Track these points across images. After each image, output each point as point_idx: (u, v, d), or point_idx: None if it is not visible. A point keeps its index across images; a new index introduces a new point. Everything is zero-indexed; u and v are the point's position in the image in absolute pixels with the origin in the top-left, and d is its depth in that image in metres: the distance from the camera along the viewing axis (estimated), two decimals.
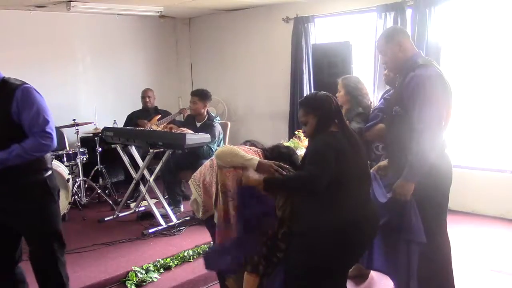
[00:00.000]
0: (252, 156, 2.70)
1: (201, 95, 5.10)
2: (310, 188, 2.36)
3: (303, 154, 2.62)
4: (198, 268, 3.74)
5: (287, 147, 2.96)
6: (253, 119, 7.02)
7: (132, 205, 5.26)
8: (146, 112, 5.97)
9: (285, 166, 2.64)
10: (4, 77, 2.60)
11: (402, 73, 2.76)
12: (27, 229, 2.67)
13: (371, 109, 3.60)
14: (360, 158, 2.47)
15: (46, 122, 2.56)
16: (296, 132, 4.65)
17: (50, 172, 2.71)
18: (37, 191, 2.64)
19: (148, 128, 5.43)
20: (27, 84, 2.61)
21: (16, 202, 2.59)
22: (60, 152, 5.20)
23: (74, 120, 5.56)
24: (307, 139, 2.68)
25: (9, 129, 2.53)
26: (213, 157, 2.92)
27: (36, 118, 2.53)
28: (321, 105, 2.47)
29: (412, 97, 2.60)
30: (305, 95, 5.51)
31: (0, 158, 2.47)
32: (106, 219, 4.93)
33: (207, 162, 2.97)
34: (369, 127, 3.42)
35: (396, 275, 2.82)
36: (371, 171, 2.82)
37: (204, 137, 4.62)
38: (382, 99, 3.55)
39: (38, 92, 2.62)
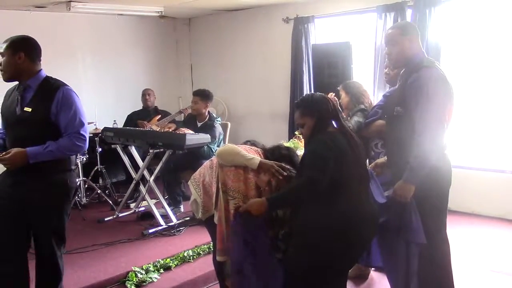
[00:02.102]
0: (253, 156, 2.70)
1: (202, 95, 5.10)
2: (313, 191, 2.34)
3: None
4: (198, 268, 3.75)
5: (288, 148, 2.95)
6: (253, 119, 7.01)
7: (132, 205, 5.26)
8: (146, 112, 5.98)
9: (286, 167, 2.65)
10: (46, 76, 2.72)
11: (405, 73, 2.75)
12: (41, 223, 2.72)
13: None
14: (359, 158, 2.48)
15: (82, 124, 2.71)
16: (296, 132, 4.65)
17: (71, 173, 2.82)
18: (59, 190, 2.74)
19: (148, 129, 5.43)
20: (67, 85, 2.72)
21: (41, 198, 2.67)
22: None
23: None
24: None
25: (46, 128, 2.65)
26: (212, 158, 2.93)
27: (73, 120, 2.67)
28: (318, 106, 2.47)
29: (414, 98, 2.59)
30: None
31: (34, 153, 2.58)
32: (106, 219, 4.93)
33: (206, 163, 2.98)
34: (368, 123, 3.43)
35: (396, 275, 2.81)
36: (368, 168, 2.83)
37: (204, 138, 4.62)
38: (383, 97, 3.56)
39: (76, 94, 2.73)
